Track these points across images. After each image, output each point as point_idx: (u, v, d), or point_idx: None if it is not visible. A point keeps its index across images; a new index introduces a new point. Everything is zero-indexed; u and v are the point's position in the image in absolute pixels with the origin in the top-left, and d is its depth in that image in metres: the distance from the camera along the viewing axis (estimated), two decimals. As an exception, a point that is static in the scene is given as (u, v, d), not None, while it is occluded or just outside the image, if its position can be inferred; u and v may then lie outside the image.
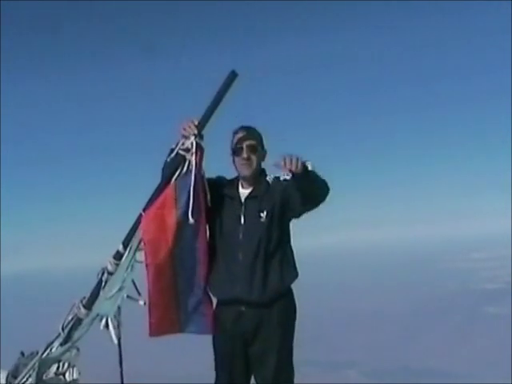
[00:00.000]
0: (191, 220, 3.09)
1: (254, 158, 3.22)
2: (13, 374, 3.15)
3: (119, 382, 3.21)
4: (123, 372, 3.18)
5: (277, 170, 3.10)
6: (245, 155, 3.22)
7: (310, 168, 2.96)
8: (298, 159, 2.86)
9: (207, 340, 3.40)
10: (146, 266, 3.12)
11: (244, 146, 3.22)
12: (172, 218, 3.11)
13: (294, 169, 2.85)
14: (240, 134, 3.26)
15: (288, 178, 3.15)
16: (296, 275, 3.24)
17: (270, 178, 3.27)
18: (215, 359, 3.28)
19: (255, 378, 3.23)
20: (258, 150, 3.24)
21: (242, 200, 3.19)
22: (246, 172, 3.25)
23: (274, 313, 3.11)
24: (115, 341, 3.06)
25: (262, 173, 3.31)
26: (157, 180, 3.23)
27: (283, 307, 3.13)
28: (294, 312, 3.26)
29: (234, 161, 3.29)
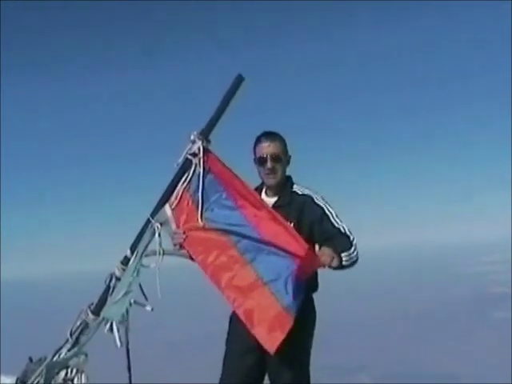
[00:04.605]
0: (200, 223, 3.09)
1: (278, 167, 3.25)
2: (22, 380, 3.18)
3: (127, 387, 3.23)
4: (131, 378, 3.20)
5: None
6: (269, 166, 3.24)
7: (344, 261, 3.00)
8: (332, 259, 2.89)
9: (218, 344, 3.41)
10: (204, 269, 3.06)
11: (268, 156, 3.24)
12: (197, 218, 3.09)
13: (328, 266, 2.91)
14: (264, 143, 3.27)
15: (320, 203, 3.19)
16: (316, 286, 3.32)
17: (297, 189, 3.27)
18: (225, 357, 3.29)
19: None
20: (282, 158, 3.26)
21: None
22: (271, 182, 3.28)
23: None
24: (118, 345, 3.08)
25: (287, 180, 3.32)
26: (162, 185, 3.25)
27: (301, 316, 3.11)
28: (313, 322, 3.32)
29: (258, 170, 3.31)
